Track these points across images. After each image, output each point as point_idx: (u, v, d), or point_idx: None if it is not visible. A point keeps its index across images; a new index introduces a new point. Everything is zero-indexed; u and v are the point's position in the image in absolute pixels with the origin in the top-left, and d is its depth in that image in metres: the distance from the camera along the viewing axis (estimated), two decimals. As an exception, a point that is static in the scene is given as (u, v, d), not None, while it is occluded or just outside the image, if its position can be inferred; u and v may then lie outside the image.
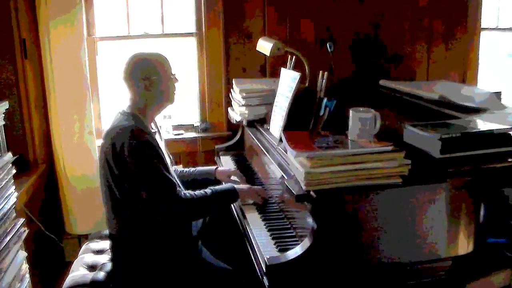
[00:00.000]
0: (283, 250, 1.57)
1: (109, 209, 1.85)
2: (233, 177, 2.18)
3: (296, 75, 1.99)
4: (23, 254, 1.94)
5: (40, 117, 2.64)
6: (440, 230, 1.54)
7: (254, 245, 1.65)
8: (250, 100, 2.42)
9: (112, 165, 1.76)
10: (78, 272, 1.92)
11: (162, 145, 2.03)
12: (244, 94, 2.42)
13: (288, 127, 1.93)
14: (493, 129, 1.63)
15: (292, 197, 1.53)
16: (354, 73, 3.01)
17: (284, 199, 1.84)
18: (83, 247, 2.15)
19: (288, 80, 2.05)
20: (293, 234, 1.70)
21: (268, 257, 1.47)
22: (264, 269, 1.47)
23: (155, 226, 1.82)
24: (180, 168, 2.30)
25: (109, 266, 1.92)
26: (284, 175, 1.74)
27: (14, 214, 1.91)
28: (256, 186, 2.03)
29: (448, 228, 1.55)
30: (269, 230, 1.74)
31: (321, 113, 1.87)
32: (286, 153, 1.68)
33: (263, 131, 2.24)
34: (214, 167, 2.25)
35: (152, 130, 1.96)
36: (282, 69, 2.18)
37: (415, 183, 1.50)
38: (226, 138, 2.92)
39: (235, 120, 2.57)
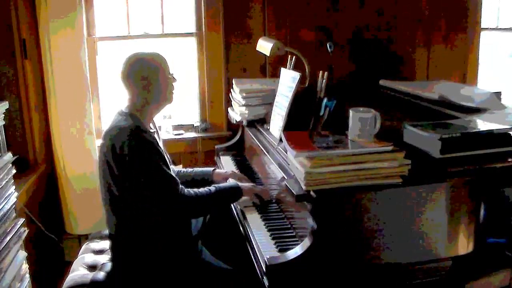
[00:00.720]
0: (283, 250, 1.57)
1: (109, 209, 1.85)
2: (230, 180, 2.16)
3: (296, 75, 1.99)
4: (23, 254, 1.94)
5: (40, 117, 2.64)
6: (440, 230, 1.54)
7: (254, 245, 1.66)
8: (250, 100, 2.42)
9: (112, 165, 1.76)
10: (78, 272, 1.92)
11: (161, 145, 2.03)
12: (244, 94, 2.42)
13: (288, 127, 1.93)
14: (493, 129, 1.63)
15: (292, 197, 1.53)
16: (353, 73, 3.01)
17: (284, 199, 1.84)
18: (83, 247, 2.15)
19: (288, 80, 2.05)
20: (293, 234, 1.70)
21: (268, 257, 1.47)
22: (264, 269, 1.47)
23: (155, 226, 1.82)
24: (178, 168, 2.30)
25: (109, 266, 1.92)
26: (284, 175, 1.74)
27: (14, 214, 1.91)
28: (259, 186, 2.03)
29: (448, 228, 1.55)
30: (269, 230, 1.74)
31: (321, 113, 1.87)
32: (286, 153, 1.68)
33: (263, 131, 2.24)
34: (211, 169, 2.24)
35: (151, 130, 1.96)
36: (282, 69, 2.18)
37: (415, 183, 1.49)
38: (226, 138, 2.92)
39: (235, 120, 2.57)
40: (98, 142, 1.96)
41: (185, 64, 3.00)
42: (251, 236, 1.72)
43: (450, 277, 1.57)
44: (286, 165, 1.76)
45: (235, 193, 1.91)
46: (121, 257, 1.89)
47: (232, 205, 2.04)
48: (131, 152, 1.73)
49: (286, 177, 1.69)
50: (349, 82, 2.93)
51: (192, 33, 2.96)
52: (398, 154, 1.48)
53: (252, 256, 1.65)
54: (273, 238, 1.68)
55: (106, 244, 2.04)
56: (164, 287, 1.84)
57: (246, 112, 2.41)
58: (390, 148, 1.49)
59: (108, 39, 2.90)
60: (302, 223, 1.61)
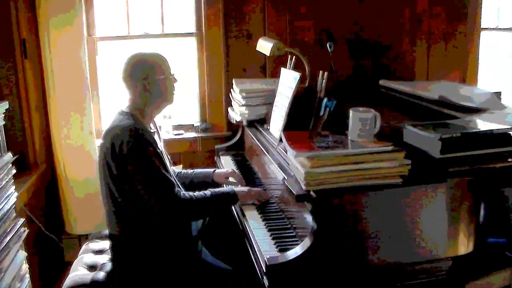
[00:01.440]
0: (283, 250, 1.57)
1: (109, 209, 1.85)
2: (230, 178, 2.17)
3: (296, 75, 1.99)
4: (23, 254, 1.94)
5: (40, 117, 2.64)
6: (440, 230, 1.54)
7: (254, 245, 1.65)
8: (250, 100, 2.42)
9: (111, 165, 1.76)
10: (78, 272, 1.92)
11: (161, 145, 2.03)
12: (244, 94, 2.42)
13: (288, 127, 1.93)
14: (493, 129, 1.64)
15: (292, 197, 1.53)
16: (353, 73, 3.01)
17: (284, 199, 1.84)
18: (83, 247, 2.15)
19: (288, 80, 2.05)
20: (293, 234, 1.70)
21: (268, 257, 1.47)
22: (264, 269, 1.47)
23: (155, 226, 1.82)
24: (178, 169, 2.30)
25: (109, 266, 1.92)
26: (284, 175, 1.74)
27: (14, 214, 1.91)
28: (255, 188, 2.02)
29: (448, 228, 1.55)
30: (269, 230, 1.74)
31: (321, 113, 1.87)
32: (286, 153, 1.68)
33: (263, 131, 2.24)
34: (212, 170, 2.23)
35: (151, 130, 1.95)
36: (282, 69, 2.18)
37: (415, 183, 1.50)
38: (226, 138, 2.92)
39: (235, 120, 2.57)
40: (98, 142, 1.96)
41: (185, 64, 3.00)
42: (251, 236, 1.72)
43: (450, 277, 1.57)
44: (286, 165, 1.76)
45: (230, 199, 1.90)
46: (121, 257, 1.89)
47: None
48: (130, 152, 1.73)
49: (286, 177, 1.69)
50: (349, 82, 2.93)
51: (192, 33, 2.97)
52: (398, 154, 1.48)
53: (252, 256, 1.65)
54: (273, 238, 1.68)
55: (106, 244, 2.04)
56: (164, 287, 1.84)
57: (246, 112, 2.41)
58: (390, 148, 1.49)
59: (108, 39, 2.90)
60: (302, 223, 1.61)
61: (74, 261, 2.02)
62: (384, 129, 1.63)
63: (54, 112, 2.61)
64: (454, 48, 3.16)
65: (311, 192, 1.46)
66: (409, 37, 3.12)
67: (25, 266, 1.96)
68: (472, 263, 1.61)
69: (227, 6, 2.87)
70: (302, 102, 1.98)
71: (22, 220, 1.95)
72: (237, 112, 2.52)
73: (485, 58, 3.26)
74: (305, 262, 1.43)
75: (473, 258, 1.59)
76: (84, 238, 2.66)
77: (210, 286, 1.86)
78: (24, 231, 1.96)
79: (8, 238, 1.79)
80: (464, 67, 3.19)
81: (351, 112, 1.61)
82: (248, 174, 2.29)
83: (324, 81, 1.98)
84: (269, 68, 2.96)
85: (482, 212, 1.58)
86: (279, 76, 2.18)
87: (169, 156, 2.13)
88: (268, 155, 2.02)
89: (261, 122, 2.35)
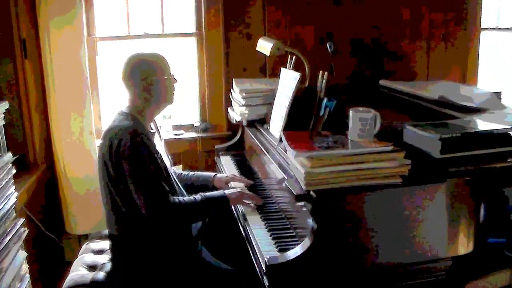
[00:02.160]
0: (283, 250, 1.57)
1: (109, 209, 1.85)
2: (232, 184, 2.15)
3: (296, 75, 1.99)
4: (23, 254, 1.94)
5: (40, 117, 2.64)
6: (440, 230, 1.54)
7: (254, 245, 1.65)
8: (250, 100, 2.42)
9: (109, 165, 1.76)
10: (78, 272, 1.92)
11: (161, 145, 2.03)
12: (244, 94, 2.42)
13: (288, 127, 1.93)
14: (493, 129, 1.64)
15: (292, 197, 1.53)
16: (353, 73, 3.01)
17: (284, 199, 1.84)
18: (83, 247, 2.15)
19: (288, 80, 2.05)
20: (293, 234, 1.70)
21: (268, 257, 1.47)
22: (264, 269, 1.47)
23: (154, 226, 1.81)
24: (179, 170, 2.29)
25: (109, 266, 1.92)
26: (284, 175, 1.74)
27: (14, 214, 1.90)
28: (249, 192, 1.98)
29: (448, 228, 1.55)
30: (269, 230, 1.74)
31: (321, 113, 1.87)
32: (286, 153, 1.68)
33: (263, 131, 2.24)
34: (212, 174, 2.20)
35: (152, 131, 1.95)
36: (282, 69, 2.18)
37: (415, 183, 1.50)
38: (226, 138, 2.92)
39: (235, 120, 2.57)
40: (98, 142, 1.96)
41: (185, 64, 3.00)
42: (251, 236, 1.72)
43: (450, 277, 1.57)
44: (286, 165, 1.76)
45: (221, 202, 1.88)
46: (121, 257, 1.89)
47: (232, 205, 2.03)
48: (126, 153, 1.72)
49: (286, 177, 1.69)
50: (349, 82, 2.93)
51: (192, 33, 2.96)
52: (398, 154, 1.48)
53: (252, 256, 1.65)
54: (273, 238, 1.68)
55: (106, 244, 2.04)
56: (164, 287, 1.84)
57: (246, 112, 2.41)
58: (390, 148, 1.49)
59: (108, 39, 2.89)
60: (302, 223, 1.61)
61: (74, 261, 2.02)
62: (384, 129, 1.63)
63: (54, 112, 2.61)
64: (454, 48, 3.16)
65: (311, 192, 1.46)
66: (409, 37, 3.12)
67: (25, 266, 1.96)
68: (472, 263, 1.61)
69: (227, 6, 2.86)
70: (302, 102, 1.98)
71: (22, 220, 1.94)
72: (237, 112, 2.52)
73: (485, 58, 3.26)
74: (305, 262, 1.43)
75: (473, 258, 1.59)
76: (84, 238, 2.65)
77: (210, 286, 1.86)
78: (24, 231, 1.96)
79: (8, 238, 1.79)
80: (464, 67, 3.20)
81: (351, 112, 1.61)
82: (248, 174, 2.29)
83: (324, 81, 1.98)
84: (269, 68, 2.96)
85: (482, 212, 1.58)
86: (279, 76, 2.18)
87: (169, 156, 2.13)
88: (268, 155, 2.02)
89: (261, 122, 2.35)
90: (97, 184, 1.92)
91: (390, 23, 3.06)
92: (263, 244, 1.63)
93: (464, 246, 1.58)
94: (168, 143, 2.58)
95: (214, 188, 2.11)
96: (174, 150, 2.73)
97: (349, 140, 1.59)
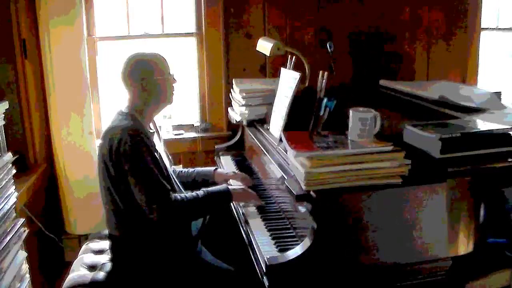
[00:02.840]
0: (283, 250, 1.57)
1: (109, 209, 1.85)
2: (231, 181, 2.15)
3: (296, 75, 1.99)
4: (23, 254, 1.94)
5: (40, 117, 2.64)
6: (440, 230, 1.54)
7: (254, 245, 1.66)
8: (250, 100, 2.42)
9: (109, 165, 1.77)
10: (78, 272, 1.92)
11: (160, 145, 2.03)
12: (244, 94, 2.42)
13: (288, 127, 1.93)
14: (493, 129, 1.64)
15: (292, 197, 1.53)
16: (353, 73, 3.01)
17: (284, 199, 1.84)
18: (83, 247, 2.15)
19: (288, 80, 2.05)
20: (293, 234, 1.70)
21: (268, 257, 1.47)
22: (264, 269, 1.47)
23: (154, 226, 1.81)
24: (179, 168, 2.29)
25: (109, 266, 1.92)
26: (284, 175, 1.74)
27: (14, 214, 1.90)
28: (251, 191, 1.98)
29: (448, 228, 1.55)
30: (269, 230, 1.74)
31: (321, 113, 1.87)
32: (286, 153, 1.68)
33: (263, 131, 2.24)
34: (212, 168, 2.22)
35: (151, 131, 1.95)
36: (282, 69, 2.18)
37: (415, 183, 1.50)
38: (226, 138, 2.92)
39: (235, 120, 2.57)
40: (98, 142, 1.96)
41: (185, 64, 3.00)
42: (251, 236, 1.72)
43: (450, 277, 1.57)
44: (286, 165, 1.76)
45: (224, 197, 1.88)
46: (121, 257, 1.89)
47: (232, 205, 2.03)
48: (127, 153, 1.72)
49: (286, 177, 1.69)
50: (349, 82, 2.93)
51: (192, 33, 2.96)
52: (398, 154, 1.48)
53: (252, 256, 1.65)
54: (273, 238, 1.68)
55: (106, 244, 2.04)
56: (164, 287, 1.84)
57: (246, 112, 2.41)
58: (390, 148, 1.49)
59: (108, 39, 2.89)
60: (302, 223, 1.61)
61: (74, 261, 2.02)
62: (384, 129, 1.63)
63: (54, 112, 2.61)
64: (454, 48, 3.16)
65: (311, 192, 1.46)
66: (409, 37, 3.12)
67: (25, 266, 1.96)
68: (472, 263, 1.61)
69: (227, 6, 2.86)
70: (302, 102, 1.98)
71: (22, 220, 1.94)
72: (237, 112, 2.52)
73: (485, 58, 3.26)
74: (305, 262, 1.43)
75: (473, 258, 1.59)
76: (84, 238, 2.66)
77: (210, 286, 1.86)
78: (24, 231, 1.96)
79: (8, 238, 1.79)
80: (464, 67, 3.20)
81: (351, 112, 1.61)
82: (248, 174, 2.29)
83: (324, 81, 1.98)
84: (269, 68, 2.96)
85: (482, 212, 1.58)
86: (279, 76, 2.18)
87: (170, 156, 2.13)
88: (268, 155, 2.02)
89: (261, 122, 2.35)
90: (97, 184, 1.92)
91: (391, 23, 3.07)
92: (263, 244, 1.63)
93: (464, 246, 1.58)
94: (168, 143, 2.58)
95: (214, 184, 2.11)
96: (174, 150, 2.73)
97: (349, 140, 1.59)
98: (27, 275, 1.96)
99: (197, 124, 3.03)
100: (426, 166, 1.55)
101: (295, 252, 1.46)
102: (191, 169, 2.23)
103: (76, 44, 2.57)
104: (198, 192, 1.85)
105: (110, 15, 2.89)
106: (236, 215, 1.99)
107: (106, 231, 1.99)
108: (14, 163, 1.95)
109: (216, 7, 2.85)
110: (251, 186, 2.11)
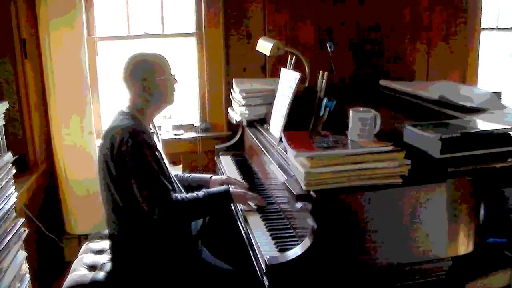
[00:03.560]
0: (283, 250, 1.57)
1: (109, 209, 1.85)
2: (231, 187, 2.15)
3: (296, 75, 1.99)
4: (23, 254, 1.94)
5: (40, 117, 2.64)
6: (440, 230, 1.54)
7: (254, 245, 1.65)
8: (250, 100, 2.42)
9: (110, 165, 1.76)
10: (78, 272, 1.92)
11: (160, 146, 2.03)
12: (244, 94, 2.42)
13: (288, 127, 1.93)
14: (493, 129, 1.63)
15: (292, 197, 1.53)
16: (353, 73, 3.01)
17: (284, 199, 1.84)
18: (83, 247, 2.15)
19: (288, 80, 2.05)
20: (293, 234, 1.70)
21: (268, 257, 1.47)
22: (264, 269, 1.47)
23: (154, 226, 1.81)
24: (177, 171, 2.28)
25: (109, 266, 1.92)
26: (284, 175, 1.74)
27: (14, 214, 1.90)
28: (251, 193, 1.97)
29: (448, 228, 1.55)
30: (269, 230, 1.74)
31: (321, 113, 1.87)
32: (286, 153, 1.68)
33: (263, 131, 2.24)
34: (209, 176, 2.19)
35: (151, 131, 1.95)
36: (282, 69, 2.18)
37: (415, 183, 1.49)
38: (226, 138, 2.92)
39: (235, 120, 2.57)
40: (98, 142, 1.96)
41: (185, 64, 3.00)
42: (251, 236, 1.72)
43: (450, 277, 1.57)
44: (286, 165, 1.76)
45: (224, 198, 1.88)
46: (121, 257, 1.89)
47: (232, 205, 2.03)
48: (128, 152, 1.72)
49: (286, 177, 1.69)
50: (349, 82, 2.93)
51: (192, 33, 2.97)
52: (398, 154, 1.48)
53: (252, 256, 1.65)
54: (273, 238, 1.68)
55: (106, 244, 2.04)
56: (164, 287, 1.84)
57: (246, 112, 2.41)
58: (390, 148, 1.49)
59: (108, 39, 2.90)
60: (302, 223, 1.61)
61: (74, 261, 2.02)
62: (384, 129, 1.63)
63: (54, 112, 2.61)
64: (454, 48, 3.16)
65: (311, 192, 1.46)
66: (409, 37, 3.12)
67: (25, 266, 1.96)
68: (472, 263, 1.61)
69: (227, 6, 2.87)
70: (302, 102, 1.98)
71: (22, 220, 1.95)
72: (237, 112, 2.52)
73: (485, 58, 3.26)
74: (305, 262, 1.43)
75: (473, 258, 1.59)
76: (84, 238, 2.66)
77: (210, 286, 1.86)
78: (24, 231, 1.96)
79: (8, 238, 1.79)
80: (464, 67, 3.20)
81: (351, 112, 1.61)
82: (248, 174, 2.29)
83: (324, 81, 1.98)
84: (269, 68, 2.96)
85: (482, 212, 1.58)
86: (279, 76, 2.18)
87: (167, 158, 2.12)
88: (268, 155, 2.02)
89: (261, 122, 2.35)
90: (97, 184, 1.92)
91: (391, 23, 3.07)
92: (263, 244, 1.63)
93: (464, 246, 1.58)
94: (168, 143, 2.59)
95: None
96: (174, 150, 2.73)
97: (349, 140, 1.59)
98: (27, 275, 1.96)
99: (197, 124, 3.03)
100: (426, 166, 1.55)
101: (295, 252, 1.46)
102: (186, 175, 2.22)
103: (76, 44, 2.57)
104: (198, 192, 1.86)
105: (110, 15, 2.89)
106: (236, 215, 1.99)
107: (106, 231, 1.99)
108: (14, 163, 1.95)
109: (216, 7, 2.86)
110: (251, 186, 2.11)
